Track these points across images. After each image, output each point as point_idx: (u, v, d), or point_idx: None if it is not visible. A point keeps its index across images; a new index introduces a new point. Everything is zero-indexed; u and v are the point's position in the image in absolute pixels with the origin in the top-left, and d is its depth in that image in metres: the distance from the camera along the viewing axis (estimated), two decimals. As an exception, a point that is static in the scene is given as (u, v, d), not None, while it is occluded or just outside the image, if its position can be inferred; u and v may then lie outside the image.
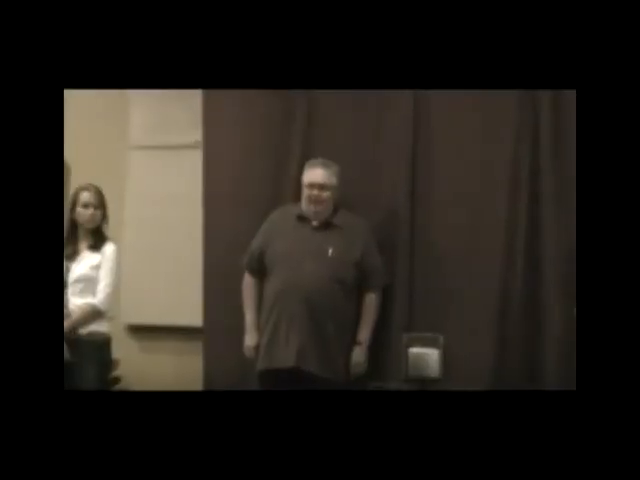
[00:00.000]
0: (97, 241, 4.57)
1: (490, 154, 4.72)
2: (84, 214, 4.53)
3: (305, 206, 4.61)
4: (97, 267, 4.51)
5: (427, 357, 4.49)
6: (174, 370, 5.29)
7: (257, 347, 4.62)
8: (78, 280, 4.47)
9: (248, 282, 4.75)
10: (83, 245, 4.57)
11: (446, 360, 4.52)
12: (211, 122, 5.14)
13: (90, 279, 4.49)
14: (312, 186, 4.57)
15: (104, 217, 4.58)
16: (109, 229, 4.67)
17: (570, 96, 3.66)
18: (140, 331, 5.64)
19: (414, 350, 4.51)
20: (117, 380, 5.14)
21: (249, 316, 4.69)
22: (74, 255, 4.52)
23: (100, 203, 4.54)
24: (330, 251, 4.52)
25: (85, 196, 4.55)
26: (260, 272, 4.69)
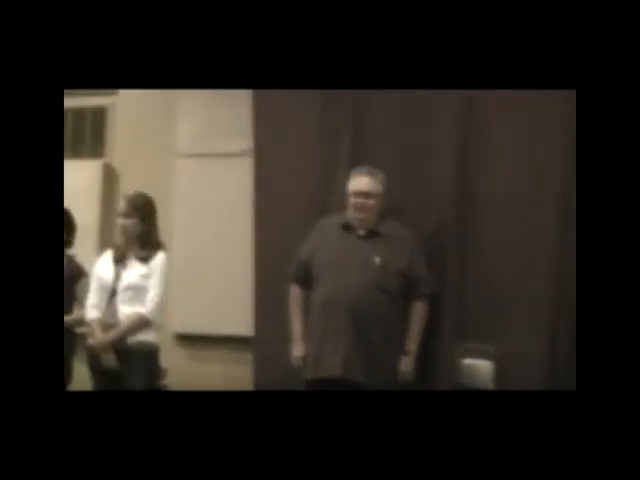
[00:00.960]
0: (146, 249, 4.52)
1: (540, 159, 4.65)
2: (119, 223, 4.53)
3: (350, 214, 4.58)
4: (146, 276, 4.46)
5: (480, 369, 4.44)
6: (222, 379, 5.26)
7: (305, 357, 4.57)
8: (127, 288, 4.44)
9: (295, 292, 4.73)
10: (132, 253, 4.53)
11: (498, 369, 4.49)
12: (261, 126, 5.14)
13: (139, 288, 4.45)
14: (357, 194, 4.54)
15: (146, 225, 4.51)
16: (159, 236, 4.64)
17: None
18: (188, 340, 5.61)
19: (467, 361, 4.47)
20: (165, 389, 5.07)
21: (296, 326, 4.65)
22: (122, 262, 4.49)
23: (135, 212, 4.48)
24: (377, 260, 4.44)
25: (120, 205, 4.53)
26: (307, 282, 4.67)
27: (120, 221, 4.51)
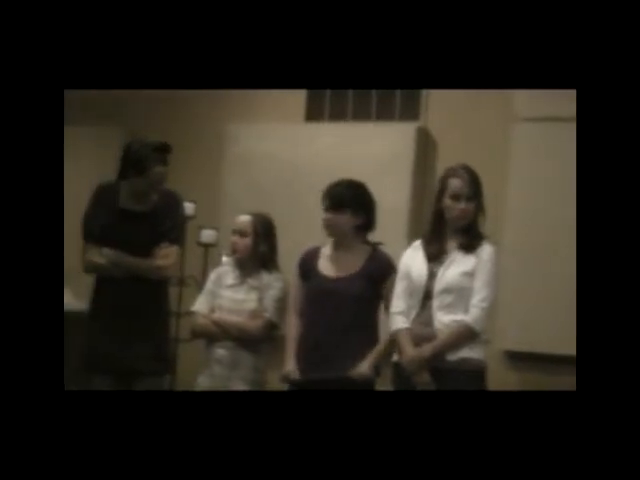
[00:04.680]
0: (471, 240, 4.04)
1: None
2: (453, 208, 4.01)
3: None
4: (470, 274, 3.99)
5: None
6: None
7: None
8: (446, 290, 3.97)
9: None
10: (452, 244, 4.04)
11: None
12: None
13: (461, 289, 3.99)
14: None
15: (479, 210, 4.07)
16: (485, 224, 4.13)
17: None
18: (521, 360, 5.35)
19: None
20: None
21: None
22: (440, 256, 4.03)
23: (474, 194, 4.03)
24: None
25: (456, 185, 4.02)
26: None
27: (460, 206, 3.99)
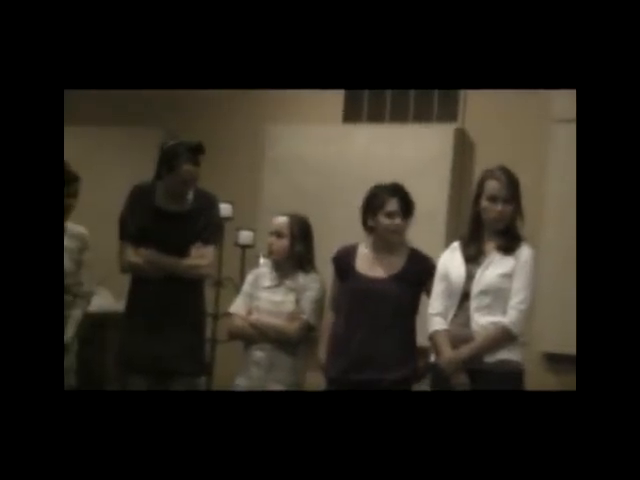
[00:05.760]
0: (509, 242, 4.00)
1: None
2: (490, 210, 3.97)
3: None
4: (509, 276, 3.94)
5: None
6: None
7: None
8: (484, 292, 3.94)
9: None
10: (490, 246, 4.00)
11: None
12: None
13: (499, 291, 3.94)
14: None
15: (517, 211, 4.02)
16: (524, 226, 4.07)
17: None
18: (560, 362, 5.26)
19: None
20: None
21: None
22: (478, 258, 3.99)
23: (512, 195, 3.98)
24: None
25: (493, 187, 3.98)
26: None
27: (497, 208, 3.95)
